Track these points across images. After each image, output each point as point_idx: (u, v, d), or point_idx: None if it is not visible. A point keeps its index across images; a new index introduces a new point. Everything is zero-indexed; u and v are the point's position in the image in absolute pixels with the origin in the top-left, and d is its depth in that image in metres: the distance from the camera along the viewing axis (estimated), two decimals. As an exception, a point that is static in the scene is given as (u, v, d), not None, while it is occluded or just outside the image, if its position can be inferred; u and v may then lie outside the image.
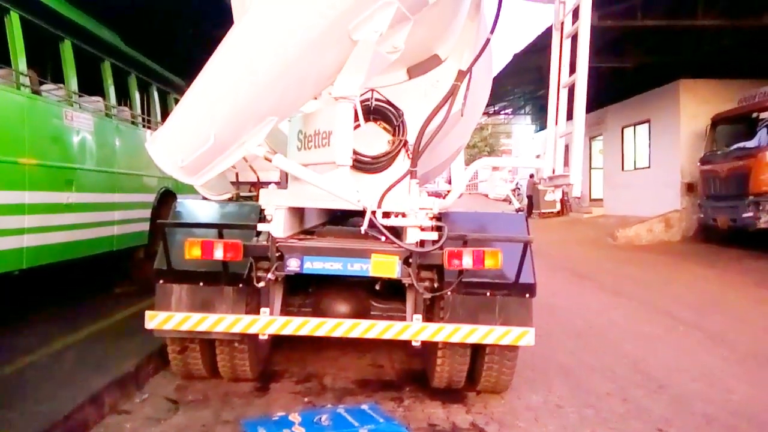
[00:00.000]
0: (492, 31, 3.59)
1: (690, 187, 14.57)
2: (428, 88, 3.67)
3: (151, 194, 7.64)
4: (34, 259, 4.97)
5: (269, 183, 4.39)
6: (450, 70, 3.65)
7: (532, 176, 27.28)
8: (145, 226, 7.43)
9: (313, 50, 2.50)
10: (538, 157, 28.36)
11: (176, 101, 9.32)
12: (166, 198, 7.81)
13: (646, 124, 17.20)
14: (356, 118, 2.88)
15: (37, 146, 5.08)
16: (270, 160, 2.77)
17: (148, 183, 7.54)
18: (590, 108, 16.37)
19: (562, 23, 3.29)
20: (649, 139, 17.06)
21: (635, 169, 18.06)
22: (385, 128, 3.57)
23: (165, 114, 8.77)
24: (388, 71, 3.34)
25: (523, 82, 20.14)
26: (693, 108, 14.84)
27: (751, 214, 11.14)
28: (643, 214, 15.57)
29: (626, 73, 16.19)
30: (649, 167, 17.09)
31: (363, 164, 3.47)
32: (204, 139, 2.50)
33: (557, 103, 3.25)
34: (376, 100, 3.53)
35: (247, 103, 2.53)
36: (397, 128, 3.53)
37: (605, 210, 19.51)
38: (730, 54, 13.61)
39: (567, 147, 3.27)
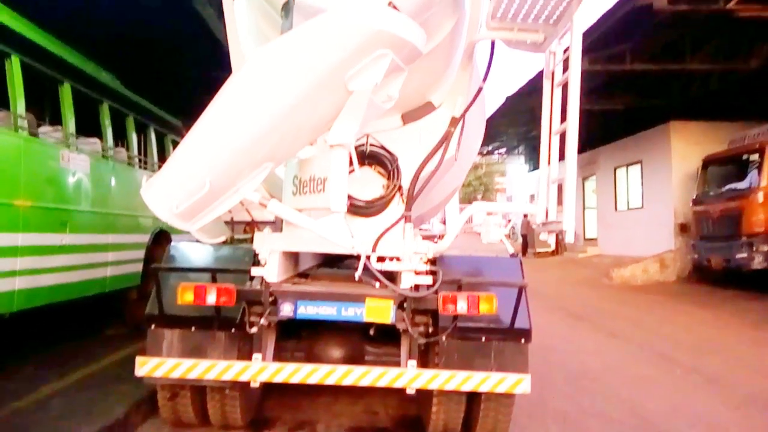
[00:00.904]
0: (484, 80, 3.66)
1: (683, 228, 14.65)
2: (422, 134, 3.72)
3: (145, 234, 7.62)
4: (26, 302, 4.92)
5: (264, 223, 4.40)
6: (444, 116, 3.71)
7: (525, 215, 27.44)
8: (139, 267, 7.39)
9: (310, 99, 2.53)
10: (531, 197, 28.59)
11: (173, 142, 9.40)
12: (160, 238, 7.79)
13: (638, 165, 17.40)
14: (351, 163, 2.91)
15: (33, 188, 5.09)
16: (265, 206, 2.78)
17: (142, 223, 7.53)
18: (582, 148, 16.60)
19: (553, 72, 3.36)
20: (642, 180, 17.23)
21: (629, 209, 18.18)
22: (379, 173, 3.60)
23: (162, 154, 8.82)
24: (383, 117, 3.39)
25: (515, 123, 20.44)
26: (684, 149, 15.06)
27: (744, 254, 11.20)
28: (637, 253, 15.61)
29: (617, 115, 16.47)
30: (642, 207, 17.21)
31: (358, 208, 3.49)
32: (199, 185, 2.51)
33: (549, 149, 3.29)
34: (371, 145, 3.57)
35: (244, 150, 2.55)
36: (391, 173, 3.56)
37: (600, 249, 19.55)
38: (719, 97, 13.89)
39: (560, 187, 3.30)
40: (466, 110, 3.61)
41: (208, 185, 2.51)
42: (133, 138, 7.80)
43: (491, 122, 16.34)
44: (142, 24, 9.59)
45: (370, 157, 3.56)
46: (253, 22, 3.43)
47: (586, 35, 8.58)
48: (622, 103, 15.35)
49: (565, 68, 3.13)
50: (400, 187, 3.55)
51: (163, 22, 9.24)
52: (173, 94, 9.64)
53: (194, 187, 2.51)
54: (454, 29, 3.35)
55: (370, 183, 3.56)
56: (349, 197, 3.23)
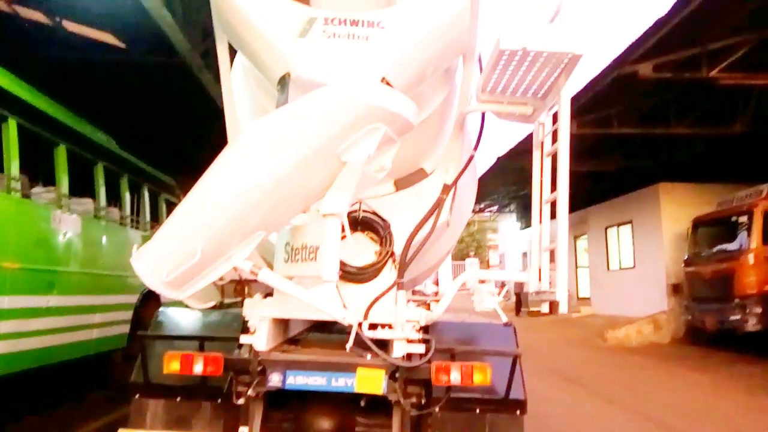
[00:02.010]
0: (475, 149, 3.72)
1: (676, 288, 14.64)
2: (415, 200, 3.73)
3: (133, 294, 7.53)
4: (8, 367, 4.79)
5: (254, 281, 4.35)
6: (436, 183, 3.74)
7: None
8: (125, 328, 7.26)
9: (304, 170, 2.56)
10: (524, 255, 28.47)
11: (167, 201, 9.43)
12: (149, 298, 7.69)
13: (629, 225, 17.55)
14: (343, 229, 2.91)
15: (22, 249, 5.05)
16: (256, 275, 2.75)
17: (131, 283, 7.44)
18: (573, 208, 16.82)
19: (542, 142, 3.42)
20: (633, 240, 17.33)
21: (621, 269, 18.21)
22: (372, 239, 3.59)
23: (155, 213, 8.83)
24: (376, 183, 3.41)
25: (506, 182, 20.71)
26: (673, 210, 15.23)
27: (738, 316, 11.15)
28: (631, 314, 15.52)
29: (607, 175, 16.73)
30: (634, 267, 17.24)
31: (349, 275, 3.46)
32: (190, 254, 2.50)
33: (540, 218, 3.31)
34: (364, 211, 3.58)
35: (237, 218, 2.55)
36: (383, 239, 3.55)
37: (593, 309, 19.44)
38: (706, 159, 14.18)
39: (552, 252, 3.30)
40: (457, 178, 3.64)
41: (200, 254, 2.50)
42: (126, 197, 7.83)
43: (483, 181, 16.59)
44: (140, 86, 9.82)
45: (362, 223, 3.56)
46: (249, 91, 3.50)
47: (575, 99, 8.84)
48: (611, 165, 15.63)
49: (555, 139, 3.19)
50: (392, 254, 3.53)
51: (161, 85, 9.46)
52: (168, 153, 9.76)
53: (185, 255, 2.49)
54: (445, 101, 3.42)
55: (362, 249, 3.54)
56: (341, 263, 3.21)
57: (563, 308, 2.95)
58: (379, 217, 3.56)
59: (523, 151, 12.84)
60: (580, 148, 12.28)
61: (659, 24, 8.39)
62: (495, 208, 30.56)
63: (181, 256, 2.50)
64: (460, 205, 4.17)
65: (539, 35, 2.73)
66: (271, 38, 2.61)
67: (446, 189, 3.62)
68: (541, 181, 3.32)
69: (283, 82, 2.66)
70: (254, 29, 2.64)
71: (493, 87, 3.17)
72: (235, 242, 2.62)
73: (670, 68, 9.64)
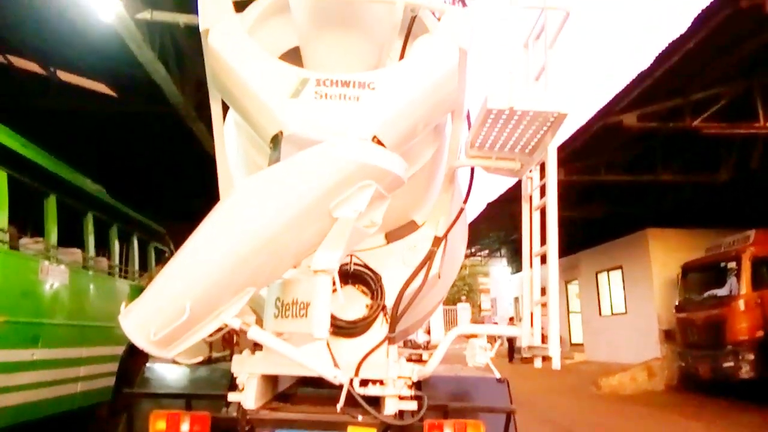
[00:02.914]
0: (465, 202, 3.76)
1: (668, 335, 14.58)
2: (406, 253, 3.74)
3: (120, 346, 7.39)
4: (-14, 424, 4.65)
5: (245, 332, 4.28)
6: (427, 235, 3.75)
7: (511, 319, 27.16)
8: (111, 381, 7.10)
9: (295, 227, 2.57)
10: (516, 300, 28.26)
11: (156, 249, 9.37)
12: (135, 350, 7.53)
13: (619, 270, 17.59)
14: (334, 283, 2.90)
15: (8, 302, 4.98)
16: (245, 332, 2.72)
17: (118, 334, 7.29)
18: (564, 252, 16.77)
19: (531, 196, 3.46)
20: (624, 286, 17.35)
21: (612, 314, 18.15)
22: (363, 292, 3.57)
23: (144, 262, 8.76)
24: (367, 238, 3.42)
25: (496, 228, 20.81)
26: (662, 256, 15.32)
27: (731, 363, 11.09)
28: (624, 360, 15.39)
29: (596, 220, 16.87)
30: (626, 313, 17.19)
31: (340, 329, 3.43)
32: (179, 312, 2.47)
33: (531, 273, 3.32)
34: (355, 264, 3.57)
35: (227, 276, 2.54)
36: (375, 292, 3.53)
37: (586, 355, 19.27)
38: (693, 205, 14.36)
39: (543, 289, 3.29)
40: (448, 230, 3.66)
41: (188, 311, 2.47)
42: (116, 247, 7.77)
43: (473, 226, 16.66)
44: (133, 135, 9.91)
45: (353, 276, 3.55)
46: (242, 146, 3.54)
47: (562, 148, 8.98)
48: (600, 211, 15.77)
49: (543, 193, 3.23)
50: (383, 307, 3.51)
51: (154, 134, 9.56)
52: (159, 201, 9.76)
53: (174, 312, 2.47)
54: (435, 155, 3.47)
55: (353, 303, 3.52)
56: (332, 317, 3.18)
57: (556, 364, 2.92)
58: (371, 270, 3.56)
59: (512, 198, 12.97)
60: (568, 195, 12.44)
61: (642, 76, 8.64)
62: (486, 252, 30.60)
63: (169, 314, 2.48)
64: (451, 257, 4.18)
65: (525, 95, 2.80)
66: (265, 98, 2.65)
67: (437, 241, 3.63)
68: (531, 235, 3.35)
69: (276, 140, 2.69)
70: (248, 89, 2.69)
71: (482, 143, 3.23)
72: (225, 299, 2.60)
73: (654, 118, 9.87)
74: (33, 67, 9.65)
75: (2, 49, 9.15)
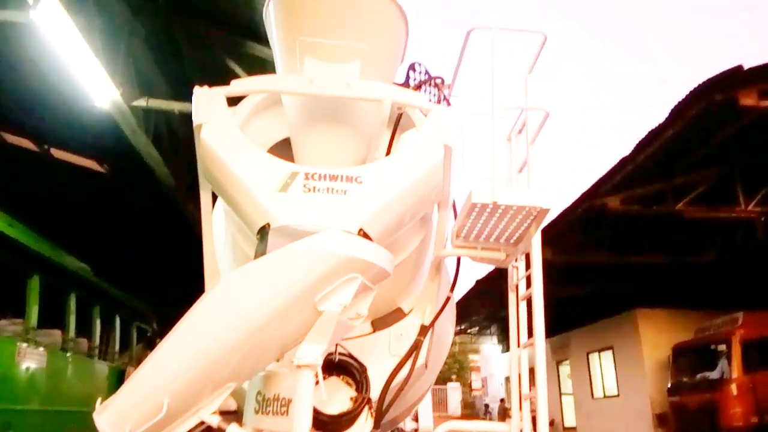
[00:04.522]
0: (452, 290, 3.75)
1: (662, 419, 14.22)
2: (392, 342, 3.68)
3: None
4: None
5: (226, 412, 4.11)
6: (413, 323, 3.71)
7: (503, 400, 26.47)
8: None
9: (279, 321, 2.54)
10: (507, 379, 27.74)
11: (139, 329, 9.18)
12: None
13: (610, 351, 17.36)
14: (316, 375, 2.83)
15: (-21, 388, 4.80)
16: (224, 431, 2.63)
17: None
18: (555, 331, 16.58)
19: (517, 285, 3.47)
20: (615, 367, 17.07)
21: (605, 396, 17.75)
22: (347, 383, 3.49)
23: (126, 342, 8.56)
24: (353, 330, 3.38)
25: (486, 305, 20.62)
26: (653, 337, 15.19)
27: (727, 451, 10.79)
28: (619, 446, 14.93)
29: (585, 299, 16.80)
30: (618, 395, 16.82)
31: (322, 424, 3.31)
32: (156, 408, 2.40)
33: (519, 365, 3.28)
34: (340, 354, 3.50)
35: (207, 371, 2.49)
36: (360, 384, 3.44)
37: (580, 440, 18.68)
38: (680, 286, 14.40)
39: (532, 370, 3.22)
40: (434, 319, 3.63)
41: (166, 407, 2.40)
42: (98, 327, 7.61)
43: (462, 303, 16.56)
44: (121, 213, 9.92)
45: (338, 367, 3.47)
46: (230, 233, 3.55)
47: (548, 228, 9.07)
48: (588, 290, 15.74)
49: (528, 284, 3.24)
50: (368, 400, 3.42)
51: (143, 213, 9.58)
52: (145, 279, 9.65)
53: (151, 409, 2.39)
54: (421, 244, 3.50)
55: (337, 395, 3.42)
56: (314, 410, 3.09)
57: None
58: (356, 360, 3.48)
59: (501, 276, 12.93)
60: (555, 274, 12.44)
61: (624, 162, 8.89)
62: (476, 329, 30.21)
63: (146, 410, 2.41)
64: (438, 345, 4.12)
65: (508, 191, 2.87)
66: (254, 191, 2.69)
67: (424, 330, 3.59)
68: (518, 326, 3.33)
69: (263, 232, 2.71)
70: (237, 182, 2.74)
71: (467, 233, 3.26)
72: (205, 395, 2.53)
73: (637, 201, 10.06)
74: (26, 143, 9.78)
75: (-4, 125, 9.30)
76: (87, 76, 5.65)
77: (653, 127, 8.11)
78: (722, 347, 11.95)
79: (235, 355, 2.47)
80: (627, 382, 16.27)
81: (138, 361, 8.31)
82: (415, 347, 3.56)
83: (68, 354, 6.59)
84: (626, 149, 8.88)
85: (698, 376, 12.47)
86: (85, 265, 7.42)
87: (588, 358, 18.82)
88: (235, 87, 2.87)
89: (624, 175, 9.16)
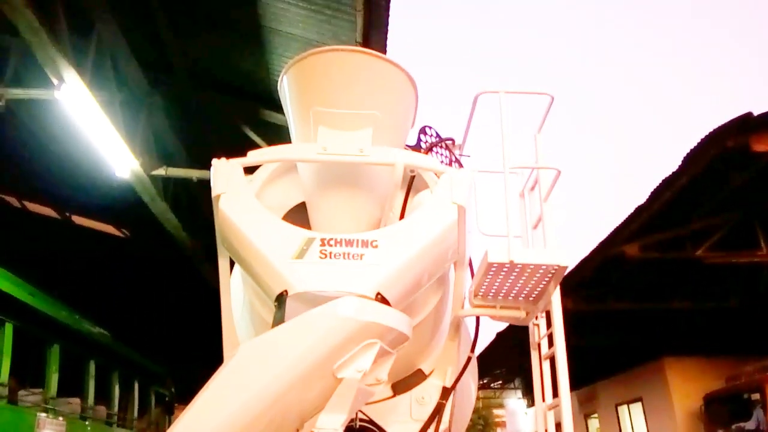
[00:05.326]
0: (472, 350, 3.70)
1: (698, 473, 13.60)
2: (414, 406, 3.61)
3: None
4: None
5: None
6: (435, 385, 3.64)
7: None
8: None
9: (298, 389, 2.52)
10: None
11: (156, 392, 9.10)
12: None
13: (639, 403, 16.77)
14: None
15: (-1, 461, 4.76)
16: None
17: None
18: (582, 382, 16.07)
19: (539, 344, 3.42)
20: (645, 419, 16.46)
21: (637, 451, 17.05)
22: (369, 451, 3.41)
23: (144, 406, 8.47)
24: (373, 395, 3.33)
25: (507, 357, 20.18)
26: (682, 386, 14.69)
27: None
28: (655, 505, 14.21)
29: (611, 349, 16.38)
30: (651, 450, 16.16)
31: (345, 494, 3.22)
32: (180, 486, 2.36)
33: (545, 425, 3.19)
34: (361, 420, 3.44)
35: (228, 442, 2.45)
36: (382, 451, 3.37)
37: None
38: (706, 333, 14.02)
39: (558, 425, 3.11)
40: (456, 381, 3.57)
41: (185, 483, 2.36)
42: (116, 393, 7.56)
43: (483, 357, 16.21)
44: (140, 277, 10.01)
45: (359, 434, 3.41)
46: (247, 299, 3.57)
47: (568, 277, 8.97)
48: (612, 339, 15.38)
49: (551, 343, 3.19)
50: (392, 471, 3.33)
51: (161, 276, 9.66)
52: (163, 342, 9.63)
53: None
54: (439, 304, 3.48)
55: (359, 463, 3.34)
56: (337, 480, 3.01)
57: None
58: (377, 426, 3.42)
59: (521, 328, 12.72)
60: (578, 323, 12.21)
61: (640, 210, 8.84)
62: (499, 383, 29.45)
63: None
64: (461, 407, 4.03)
65: (525, 249, 2.87)
66: (270, 259, 2.72)
67: (446, 393, 3.52)
68: (542, 385, 3.26)
69: (281, 299, 2.72)
70: (254, 250, 2.77)
71: (485, 292, 3.24)
72: (225, 467, 2.49)
73: (656, 248, 9.94)
74: (48, 212, 10.01)
75: (18, 195, 9.56)
76: (108, 147, 5.83)
77: (667, 175, 8.10)
78: (756, 396, 11.51)
79: (255, 426, 2.44)
80: (659, 435, 15.65)
81: (156, 427, 8.21)
82: (438, 411, 3.49)
83: (87, 422, 6.53)
84: (642, 197, 8.86)
85: (733, 426, 11.97)
86: (104, 331, 7.44)
87: (617, 411, 18.18)
88: (252, 157, 2.94)
89: (641, 223, 9.10)
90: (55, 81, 5.08)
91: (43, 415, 5.51)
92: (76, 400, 6.35)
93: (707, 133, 7.31)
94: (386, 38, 5.37)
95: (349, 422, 3.38)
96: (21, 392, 5.45)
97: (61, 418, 5.83)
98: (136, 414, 8.11)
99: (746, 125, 7.23)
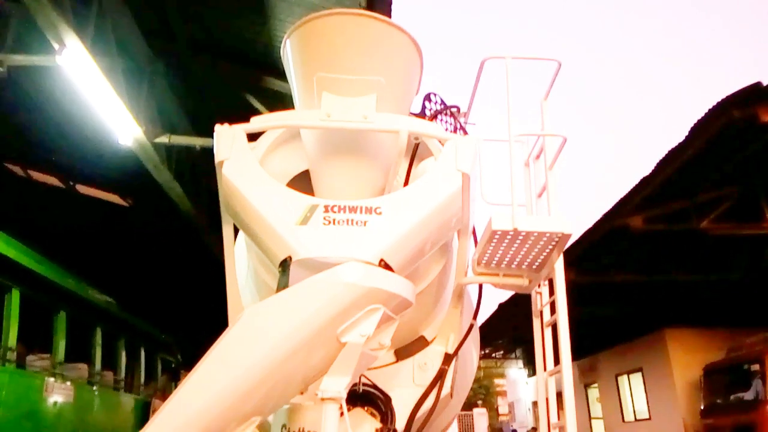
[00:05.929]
0: (475, 317, 3.72)
1: (696, 442, 13.81)
2: (416, 371, 3.65)
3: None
4: None
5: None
6: (437, 352, 3.68)
7: (534, 429, 25.89)
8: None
9: (302, 353, 2.55)
10: (534, 404, 27.18)
11: (163, 360, 9.23)
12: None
13: (639, 373, 16.96)
14: (341, 407, 2.82)
15: (9, 424, 4.85)
16: (248, 475, 2.62)
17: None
18: (582, 353, 16.19)
19: (541, 312, 3.44)
20: (645, 389, 16.66)
21: (636, 420, 17.28)
22: (372, 414, 3.46)
23: (150, 374, 8.60)
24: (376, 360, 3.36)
25: (510, 328, 20.35)
26: (683, 357, 14.83)
27: (767, 476, 10.40)
28: (653, 472, 14.49)
29: (612, 320, 16.49)
30: (650, 419, 16.38)
31: (349, 456, 3.28)
32: (180, 445, 2.40)
33: (546, 392, 3.23)
34: (364, 384, 3.48)
35: (232, 406, 2.49)
36: (384, 415, 3.41)
37: (612, 467, 18.17)
38: (708, 304, 14.09)
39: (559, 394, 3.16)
40: (458, 347, 3.60)
41: (190, 445, 2.40)
42: (123, 359, 7.67)
43: (485, 327, 16.34)
44: (145, 246, 10.07)
45: (362, 398, 3.45)
46: (252, 266, 3.58)
47: (571, 249, 8.98)
48: (614, 310, 15.47)
49: (553, 310, 3.21)
50: (394, 431, 3.38)
51: (166, 245, 9.71)
52: (169, 310, 9.73)
53: (174, 447, 2.40)
54: (442, 272, 3.49)
55: (362, 426, 3.39)
56: (340, 445, 3.06)
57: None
58: (380, 390, 3.46)
59: (524, 298, 12.79)
60: (580, 294, 12.26)
61: (645, 181, 8.80)
62: (500, 353, 29.78)
63: (170, 447, 2.41)
64: (463, 373, 4.08)
65: (529, 216, 2.86)
66: (274, 225, 2.72)
67: (448, 359, 3.56)
68: (544, 354, 3.29)
69: (285, 265, 2.73)
70: (258, 216, 2.77)
71: (488, 260, 3.25)
72: (230, 430, 2.53)
73: (660, 220, 9.91)
74: (53, 180, 10.02)
75: (24, 164, 9.57)
76: (111, 115, 5.81)
77: (673, 146, 8.03)
78: (755, 367, 11.61)
79: (259, 389, 2.48)
80: (658, 405, 15.85)
81: (163, 393, 8.36)
82: (440, 376, 3.52)
83: (94, 387, 6.64)
84: (647, 168, 8.81)
85: (732, 397, 12.11)
86: (110, 299, 7.51)
87: (617, 381, 18.40)
88: (255, 123, 2.91)
89: (645, 195, 9.06)
90: (56, 46, 5.03)
91: (51, 379, 5.60)
92: (84, 366, 6.45)
93: (714, 104, 7.23)
94: (390, 3, 5.28)
95: (353, 387, 3.43)
96: (29, 357, 5.53)
97: (68, 383, 5.92)
98: (143, 380, 8.24)
99: (754, 95, 7.12)
